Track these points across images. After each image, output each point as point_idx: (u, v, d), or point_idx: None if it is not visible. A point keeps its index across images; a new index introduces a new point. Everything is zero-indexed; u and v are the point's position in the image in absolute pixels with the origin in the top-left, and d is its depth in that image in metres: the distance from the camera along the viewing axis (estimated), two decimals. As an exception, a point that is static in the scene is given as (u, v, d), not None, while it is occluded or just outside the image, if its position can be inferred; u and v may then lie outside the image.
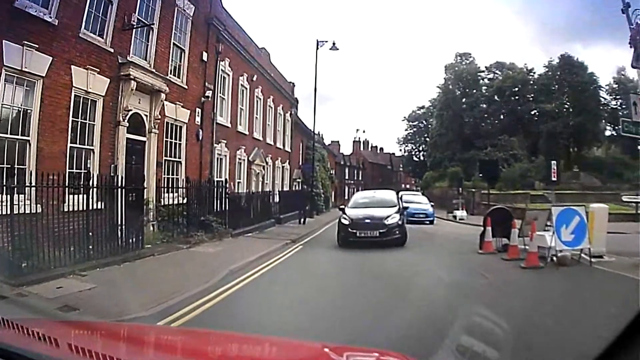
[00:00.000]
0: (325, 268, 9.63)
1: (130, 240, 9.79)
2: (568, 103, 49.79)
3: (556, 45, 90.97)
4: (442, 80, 55.40)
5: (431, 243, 14.26)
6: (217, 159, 15.94)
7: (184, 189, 12.46)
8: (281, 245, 12.55)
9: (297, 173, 29.61)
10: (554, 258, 9.81)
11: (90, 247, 8.54)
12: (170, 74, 13.11)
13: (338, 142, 62.30)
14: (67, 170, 9.06)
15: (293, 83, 29.07)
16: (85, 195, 8.81)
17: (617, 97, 50.53)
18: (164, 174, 12.68)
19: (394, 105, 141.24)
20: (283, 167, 26.29)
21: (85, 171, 9.55)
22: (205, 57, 14.84)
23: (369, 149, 74.58)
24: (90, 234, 8.65)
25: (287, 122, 26.91)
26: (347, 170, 60.76)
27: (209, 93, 14.62)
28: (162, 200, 12.08)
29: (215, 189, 14.03)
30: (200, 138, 14.40)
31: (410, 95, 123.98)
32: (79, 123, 9.67)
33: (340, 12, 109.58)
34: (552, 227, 10.37)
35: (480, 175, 32.46)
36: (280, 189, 24.63)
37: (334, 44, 27.50)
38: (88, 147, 9.96)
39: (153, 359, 2.07)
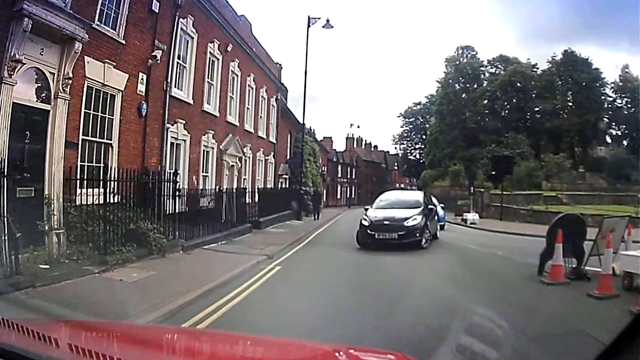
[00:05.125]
0: (316, 324, 5.05)
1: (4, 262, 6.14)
2: (572, 101, 47.94)
3: (541, 46, 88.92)
4: (441, 74, 53.08)
5: (463, 263, 10.19)
6: (172, 144, 12.08)
7: (108, 183, 8.51)
8: (250, 266, 8.68)
9: (283, 168, 25.89)
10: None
11: None
12: (101, 22, 9.34)
13: (330, 138, 58.54)
14: None
15: (280, 64, 25.32)
16: None
17: (622, 95, 48.92)
18: (83, 161, 8.83)
19: (388, 101, 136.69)
20: (266, 160, 22.42)
21: None
22: (155, 7, 11.03)
23: (363, 146, 70.77)
24: None
25: (272, 108, 23.06)
26: (339, 168, 57.41)
27: (157, 53, 10.75)
28: (75, 198, 8.27)
29: (160, 183, 10.04)
30: (145, 113, 10.53)
31: (405, 90, 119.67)
32: None
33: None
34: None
35: (493, 173, 28.93)
36: (262, 186, 20.83)
37: (327, 21, 24.71)
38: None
39: (153, 359, 1.99)
